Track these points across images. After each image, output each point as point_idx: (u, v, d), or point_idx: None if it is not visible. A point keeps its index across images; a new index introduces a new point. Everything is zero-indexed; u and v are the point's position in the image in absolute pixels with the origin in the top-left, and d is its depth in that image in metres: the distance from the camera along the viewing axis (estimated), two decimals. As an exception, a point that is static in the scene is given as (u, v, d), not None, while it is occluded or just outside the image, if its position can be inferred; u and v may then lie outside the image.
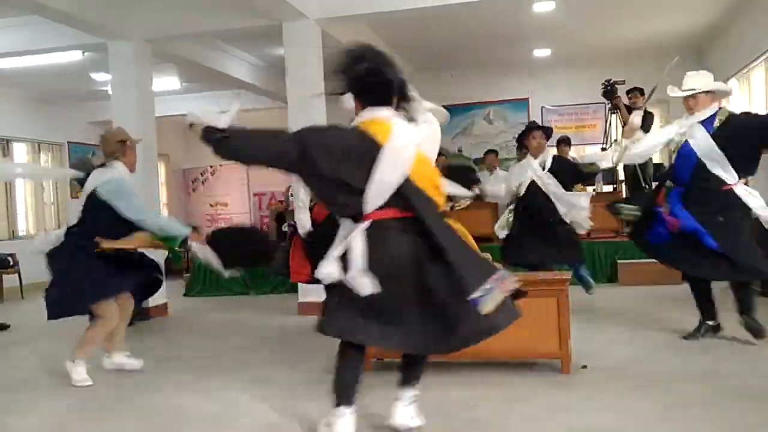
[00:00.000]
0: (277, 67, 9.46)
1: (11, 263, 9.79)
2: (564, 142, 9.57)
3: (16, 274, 9.79)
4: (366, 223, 2.91)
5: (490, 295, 2.69)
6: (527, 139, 5.89)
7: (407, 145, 2.92)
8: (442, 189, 3.08)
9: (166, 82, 10.73)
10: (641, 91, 8.59)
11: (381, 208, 2.90)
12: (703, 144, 4.51)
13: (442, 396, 3.75)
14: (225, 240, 4.46)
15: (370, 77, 2.98)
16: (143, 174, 7.20)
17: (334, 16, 7.14)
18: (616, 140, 8.87)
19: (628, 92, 8.63)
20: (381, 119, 2.96)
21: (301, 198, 4.81)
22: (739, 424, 3.12)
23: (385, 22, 8.49)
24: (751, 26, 8.67)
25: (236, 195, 14.15)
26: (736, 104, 9.60)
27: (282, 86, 7.43)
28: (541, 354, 4.15)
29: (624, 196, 8.64)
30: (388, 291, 2.85)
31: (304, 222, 4.78)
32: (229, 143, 2.96)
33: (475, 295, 2.67)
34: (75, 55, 8.43)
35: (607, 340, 4.94)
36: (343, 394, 3.12)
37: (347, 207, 2.97)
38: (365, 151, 2.86)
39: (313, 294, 6.80)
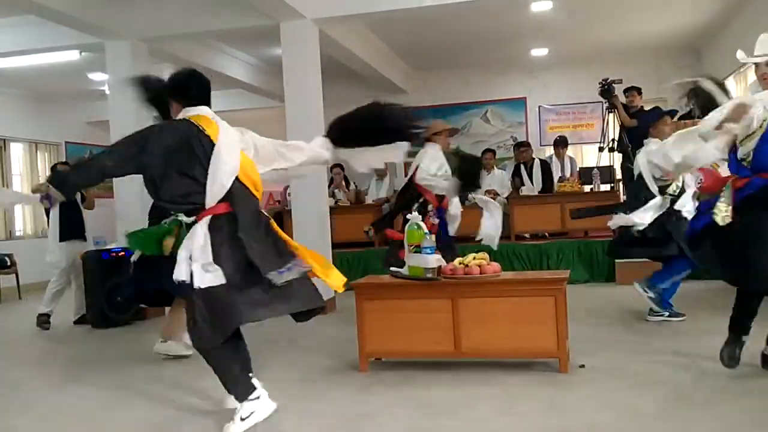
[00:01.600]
0: (274, 67, 9.45)
1: (9, 263, 9.78)
2: (561, 144, 9.58)
3: (14, 275, 9.78)
4: (207, 218, 3.23)
5: (286, 274, 3.17)
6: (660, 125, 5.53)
7: (234, 144, 3.29)
8: (261, 187, 3.41)
9: (164, 81, 10.72)
10: (638, 90, 8.59)
11: (218, 202, 3.22)
12: None
13: (440, 395, 3.76)
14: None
15: (189, 78, 3.47)
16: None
17: (331, 15, 7.14)
18: (613, 139, 8.84)
19: (625, 91, 8.64)
20: (206, 116, 3.34)
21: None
22: (738, 423, 3.13)
23: (382, 22, 8.50)
24: (747, 26, 8.69)
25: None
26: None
27: (279, 86, 7.43)
28: (538, 353, 4.16)
29: (622, 195, 8.63)
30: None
31: None
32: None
33: (270, 276, 3.13)
34: (72, 55, 8.42)
35: (604, 340, 4.94)
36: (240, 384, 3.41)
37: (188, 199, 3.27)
38: (199, 143, 3.21)
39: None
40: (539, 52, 10.91)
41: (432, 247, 4.20)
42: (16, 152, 11.45)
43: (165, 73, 10.20)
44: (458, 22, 8.89)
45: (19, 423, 3.79)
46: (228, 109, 12.86)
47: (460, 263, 4.24)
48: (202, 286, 3.17)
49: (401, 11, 7.05)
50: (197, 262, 3.20)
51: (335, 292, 3.68)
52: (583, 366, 4.14)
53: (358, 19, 7.80)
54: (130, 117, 7.37)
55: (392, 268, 4.57)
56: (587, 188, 8.80)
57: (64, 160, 10.97)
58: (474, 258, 4.26)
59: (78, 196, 7.26)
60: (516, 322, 4.06)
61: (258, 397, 3.39)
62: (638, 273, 7.41)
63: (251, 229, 3.24)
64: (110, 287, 6.79)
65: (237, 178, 3.25)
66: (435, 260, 4.17)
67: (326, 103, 7.51)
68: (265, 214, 3.45)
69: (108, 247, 7.08)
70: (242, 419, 3.32)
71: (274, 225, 3.42)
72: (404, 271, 4.36)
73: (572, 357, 4.16)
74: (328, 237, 7.24)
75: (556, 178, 9.08)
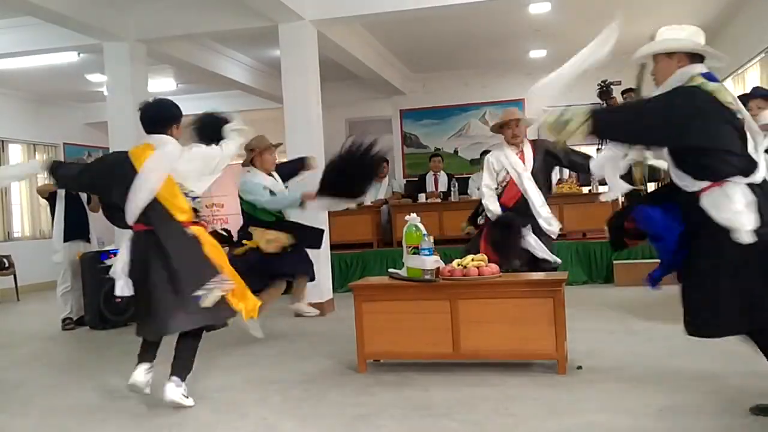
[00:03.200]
0: (273, 69, 9.46)
1: (7, 265, 9.76)
2: (560, 147, 9.56)
3: (12, 276, 9.77)
4: (131, 233, 3.79)
5: (210, 293, 3.59)
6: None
7: (156, 170, 3.66)
8: (185, 206, 3.77)
9: (162, 83, 10.74)
10: (637, 92, 8.60)
11: (137, 222, 3.69)
12: None
13: (438, 396, 3.76)
14: (334, 181, 4.86)
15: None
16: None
17: (329, 17, 7.14)
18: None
19: (623, 93, 8.66)
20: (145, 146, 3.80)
21: (487, 184, 5.30)
22: (736, 423, 3.13)
23: (380, 24, 8.51)
24: (745, 27, 8.71)
25: (232, 197, 14.04)
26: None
27: (278, 87, 7.43)
28: (537, 355, 4.16)
29: (620, 196, 8.62)
30: (138, 290, 3.78)
31: (493, 207, 5.22)
32: None
33: (195, 293, 3.56)
34: (70, 56, 8.43)
35: (603, 341, 4.94)
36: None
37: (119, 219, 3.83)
38: (124, 173, 3.68)
39: (310, 295, 6.81)
40: (537, 53, 10.92)
41: (430, 248, 4.20)
42: (15, 153, 11.44)
43: (164, 73, 10.22)
44: (456, 24, 8.90)
45: (18, 424, 3.79)
46: (226, 111, 12.87)
47: (458, 264, 4.25)
48: (118, 295, 3.82)
49: (399, 13, 7.06)
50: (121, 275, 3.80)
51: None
52: (580, 367, 4.14)
53: (356, 20, 7.81)
54: (129, 118, 7.36)
55: (390, 270, 4.57)
56: (585, 189, 8.81)
57: (61, 160, 10.98)
58: (472, 259, 4.26)
59: (84, 198, 7.28)
60: (514, 323, 4.06)
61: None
62: (637, 274, 7.46)
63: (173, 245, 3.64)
64: (109, 288, 6.78)
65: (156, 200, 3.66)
66: (433, 261, 4.17)
67: (325, 104, 7.52)
68: (190, 233, 3.76)
69: (106, 248, 7.08)
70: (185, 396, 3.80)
71: (204, 243, 3.78)
72: (402, 272, 4.36)
73: (570, 358, 4.16)
74: (326, 238, 7.23)
75: (554, 180, 9.07)
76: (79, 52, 8.23)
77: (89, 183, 4.08)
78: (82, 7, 6.61)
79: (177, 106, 3.95)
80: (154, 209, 3.66)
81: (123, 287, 3.80)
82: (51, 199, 7.19)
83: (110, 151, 7.63)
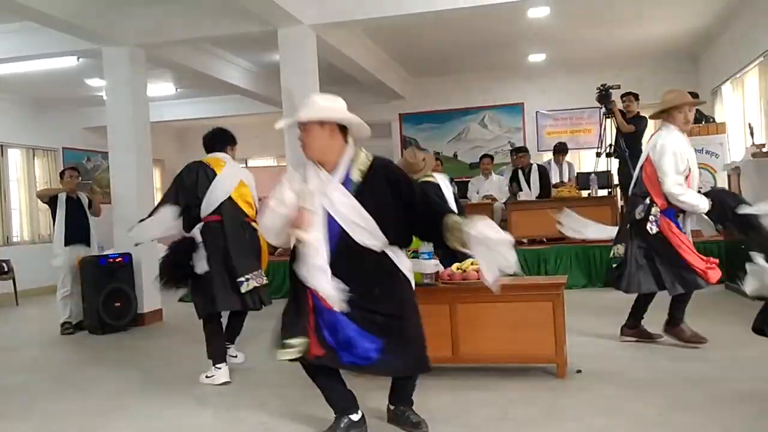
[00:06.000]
0: (272, 73, 9.46)
1: (6, 269, 9.75)
2: (561, 150, 9.58)
3: (11, 281, 9.76)
4: (200, 224, 4.47)
5: (246, 283, 4.41)
6: None
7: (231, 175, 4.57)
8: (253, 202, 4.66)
9: (161, 87, 10.74)
10: (635, 96, 8.61)
11: (210, 214, 4.44)
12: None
13: (437, 401, 3.75)
14: None
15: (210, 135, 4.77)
16: (138, 180, 7.20)
17: (329, 22, 7.15)
18: (611, 144, 8.89)
19: (622, 96, 8.66)
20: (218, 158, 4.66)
21: (677, 180, 4.43)
22: (735, 426, 3.13)
23: (379, 28, 8.52)
24: (744, 31, 8.73)
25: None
26: (731, 109, 9.65)
27: (277, 91, 7.44)
28: (536, 359, 4.15)
29: (619, 200, 8.64)
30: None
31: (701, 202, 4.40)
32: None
33: (239, 279, 4.39)
34: (70, 61, 8.43)
35: (602, 345, 4.94)
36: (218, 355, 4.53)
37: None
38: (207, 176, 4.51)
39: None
40: (537, 57, 10.94)
41: (430, 252, 4.19)
42: (14, 158, 11.45)
43: (163, 78, 10.22)
44: (456, 28, 8.92)
45: (18, 428, 3.78)
46: (226, 115, 12.88)
47: (458, 268, 4.24)
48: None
49: (399, 17, 7.06)
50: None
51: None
52: (580, 371, 4.14)
53: (355, 25, 7.81)
54: (128, 122, 7.37)
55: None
56: (585, 193, 8.81)
57: (62, 166, 10.99)
58: (472, 263, 4.25)
59: (85, 202, 7.26)
60: (514, 327, 4.06)
61: (220, 368, 4.46)
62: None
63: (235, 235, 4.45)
64: (108, 292, 6.79)
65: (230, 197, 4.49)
66: (432, 265, 4.17)
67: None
68: (252, 225, 4.54)
69: (105, 252, 7.06)
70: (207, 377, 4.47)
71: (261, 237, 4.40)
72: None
73: (570, 362, 4.16)
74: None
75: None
76: (79, 56, 8.23)
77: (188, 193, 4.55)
78: (82, 12, 6.61)
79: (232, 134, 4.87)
80: (228, 204, 4.47)
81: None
82: (51, 203, 7.17)
83: (109, 155, 7.60)
